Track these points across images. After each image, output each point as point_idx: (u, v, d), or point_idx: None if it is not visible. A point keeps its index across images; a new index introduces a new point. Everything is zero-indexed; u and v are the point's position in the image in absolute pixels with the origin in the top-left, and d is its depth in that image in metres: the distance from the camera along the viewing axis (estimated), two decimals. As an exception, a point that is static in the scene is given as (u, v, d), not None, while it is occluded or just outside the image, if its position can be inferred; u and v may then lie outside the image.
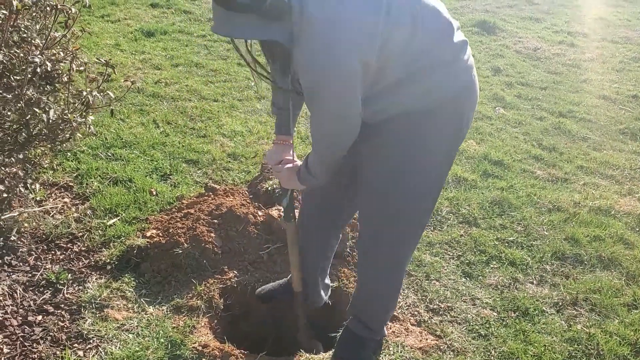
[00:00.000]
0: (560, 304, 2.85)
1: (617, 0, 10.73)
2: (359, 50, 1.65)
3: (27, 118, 2.53)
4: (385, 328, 2.48)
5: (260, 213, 3.09)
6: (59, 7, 2.51)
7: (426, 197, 2.08)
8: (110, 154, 3.67)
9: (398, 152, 1.96)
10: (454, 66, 1.91)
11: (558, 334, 2.65)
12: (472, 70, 1.98)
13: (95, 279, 2.66)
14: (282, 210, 2.45)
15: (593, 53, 7.20)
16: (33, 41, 2.52)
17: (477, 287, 2.92)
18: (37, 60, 2.42)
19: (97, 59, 2.63)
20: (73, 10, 2.55)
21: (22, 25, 2.53)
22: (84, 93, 2.67)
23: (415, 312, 2.74)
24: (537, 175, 4.10)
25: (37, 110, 2.49)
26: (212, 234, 2.89)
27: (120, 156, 3.66)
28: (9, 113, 2.50)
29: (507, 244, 3.26)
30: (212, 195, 3.24)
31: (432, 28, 1.81)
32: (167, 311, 2.55)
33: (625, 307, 2.85)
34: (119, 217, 3.07)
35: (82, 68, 2.66)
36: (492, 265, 3.08)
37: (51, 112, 2.54)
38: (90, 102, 2.67)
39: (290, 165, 2.20)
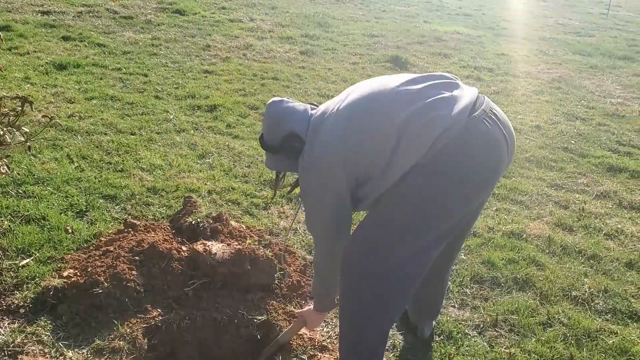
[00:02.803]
0: (481, 326, 2.95)
1: (516, 37, 11.50)
2: (335, 180, 2.08)
3: None
4: None
5: (184, 248, 3.02)
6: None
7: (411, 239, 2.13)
8: (21, 191, 3.49)
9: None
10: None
11: (481, 355, 2.74)
12: None
13: (8, 324, 2.50)
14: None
15: (498, 86, 7.64)
16: None
17: (402, 314, 2.97)
18: None
19: (16, 94, 2.51)
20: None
21: None
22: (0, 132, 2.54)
23: (344, 342, 2.75)
24: (453, 202, 4.26)
25: None
26: (134, 272, 2.79)
27: (33, 193, 3.49)
28: None
29: (428, 270, 3.35)
30: (132, 232, 3.14)
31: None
32: (87, 354, 2.43)
33: (540, 325, 2.99)
34: (32, 257, 2.91)
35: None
36: (415, 292, 3.15)
37: None
38: (9, 140, 2.54)
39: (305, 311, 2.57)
